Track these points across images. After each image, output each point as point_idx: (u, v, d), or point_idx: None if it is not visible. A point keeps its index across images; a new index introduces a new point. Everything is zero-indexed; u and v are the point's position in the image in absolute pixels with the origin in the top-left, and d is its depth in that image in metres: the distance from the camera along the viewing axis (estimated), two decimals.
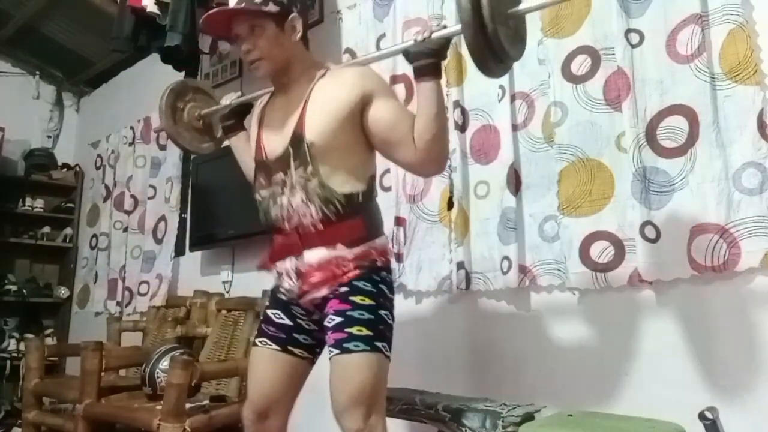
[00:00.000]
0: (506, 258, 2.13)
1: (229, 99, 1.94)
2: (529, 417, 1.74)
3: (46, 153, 4.91)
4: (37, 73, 4.97)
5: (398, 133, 1.52)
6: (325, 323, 1.53)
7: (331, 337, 1.50)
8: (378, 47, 2.70)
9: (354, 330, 1.46)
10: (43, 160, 4.82)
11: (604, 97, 1.98)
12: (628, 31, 1.94)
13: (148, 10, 2.87)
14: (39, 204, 4.74)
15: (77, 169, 4.95)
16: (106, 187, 4.41)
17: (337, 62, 2.88)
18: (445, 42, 1.48)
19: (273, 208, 1.60)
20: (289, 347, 1.63)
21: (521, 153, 2.19)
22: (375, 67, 2.67)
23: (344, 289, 1.51)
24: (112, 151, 4.42)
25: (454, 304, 2.34)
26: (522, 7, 1.45)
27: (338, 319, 1.49)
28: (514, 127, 2.20)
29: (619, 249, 1.89)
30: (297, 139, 1.54)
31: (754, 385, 1.67)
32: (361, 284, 1.51)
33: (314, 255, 1.54)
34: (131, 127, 4.23)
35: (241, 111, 1.91)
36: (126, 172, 4.20)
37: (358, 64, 1.78)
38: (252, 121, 1.78)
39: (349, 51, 2.85)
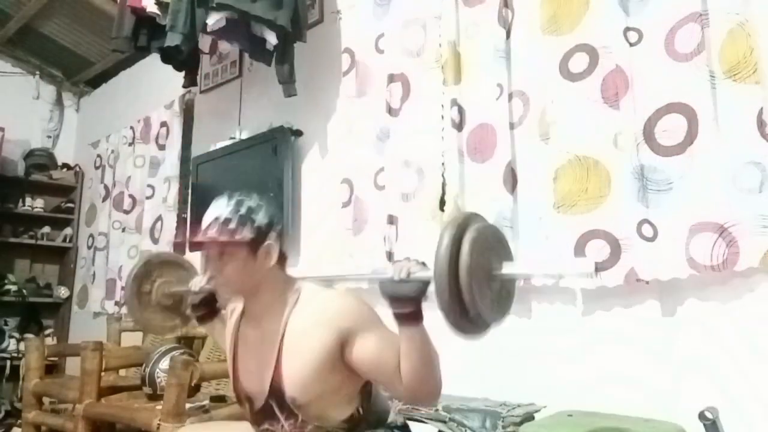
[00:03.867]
0: None
1: (197, 285, 1.71)
2: (529, 417, 1.73)
3: (46, 153, 4.92)
4: (37, 73, 4.97)
5: (384, 373, 1.35)
6: None
7: None
8: (377, 47, 2.70)
9: None
10: (43, 160, 4.84)
11: (601, 95, 1.98)
12: (627, 29, 1.94)
13: (148, 10, 2.86)
14: (39, 204, 4.75)
15: (77, 169, 4.96)
16: (105, 186, 4.42)
17: (335, 62, 2.93)
18: (424, 286, 1.25)
19: None
20: None
21: (517, 151, 2.19)
22: (374, 68, 2.74)
23: None
24: (112, 151, 4.43)
25: None
26: (505, 270, 1.25)
27: None
28: (512, 126, 2.19)
29: (615, 248, 1.88)
30: (277, 393, 1.40)
31: (754, 385, 1.66)
32: None
33: None
34: (131, 127, 4.24)
35: (212, 300, 1.73)
36: (125, 172, 4.21)
37: (333, 282, 1.65)
38: (226, 332, 1.60)
39: (348, 50, 2.85)
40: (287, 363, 1.39)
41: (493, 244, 1.23)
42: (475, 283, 1.14)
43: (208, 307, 1.71)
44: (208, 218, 1.39)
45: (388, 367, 1.32)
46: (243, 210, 1.38)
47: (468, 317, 1.17)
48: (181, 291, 1.84)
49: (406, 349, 1.29)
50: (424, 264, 1.24)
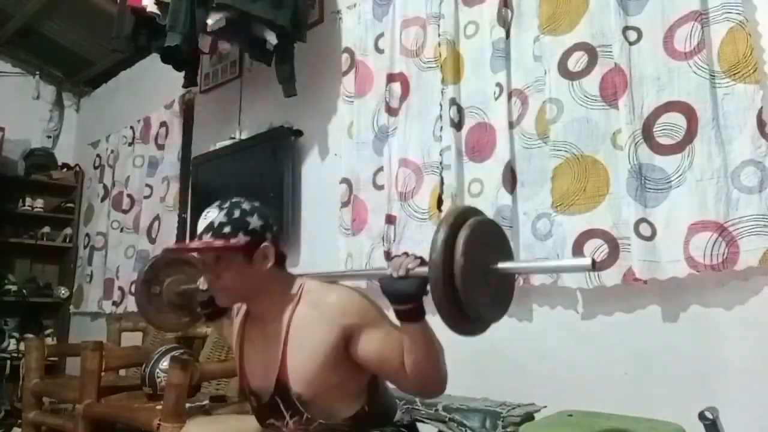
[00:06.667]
0: None
1: (204, 284, 1.67)
2: (529, 417, 1.73)
3: (46, 153, 4.92)
4: (37, 73, 4.97)
5: (388, 367, 1.35)
6: None
7: None
8: (376, 46, 2.70)
9: None
10: (43, 160, 4.83)
11: (600, 93, 1.98)
12: (626, 28, 1.93)
13: (148, 10, 2.86)
14: (39, 204, 4.74)
15: (77, 169, 4.95)
16: (104, 186, 4.42)
17: (335, 63, 2.92)
18: (424, 283, 1.21)
19: None
20: None
21: (516, 150, 2.18)
22: (373, 68, 2.74)
23: None
24: (112, 151, 4.43)
25: None
26: (501, 265, 1.18)
27: None
28: (511, 125, 2.19)
29: (613, 247, 1.88)
30: (282, 389, 1.39)
31: (754, 385, 1.66)
32: None
33: None
34: (131, 127, 4.24)
35: None
36: (125, 171, 4.21)
37: (334, 279, 1.59)
38: (233, 333, 1.59)
39: (348, 50, 2.85)
40: (292, 359, 1.38)
41: (489, 240, 1.20)
42: (471, 283, 1.10)
43: (216, 305, 1.64)
44: (201, 224, 1.37)
45: (393, 362, 1.32)
46: (236, 214, 1.35)
47: (467, 317, 1.14)
48: (190, 288, 1.84)
49: (410, 344, 1.29)
50: (422, 259, 1.20)
